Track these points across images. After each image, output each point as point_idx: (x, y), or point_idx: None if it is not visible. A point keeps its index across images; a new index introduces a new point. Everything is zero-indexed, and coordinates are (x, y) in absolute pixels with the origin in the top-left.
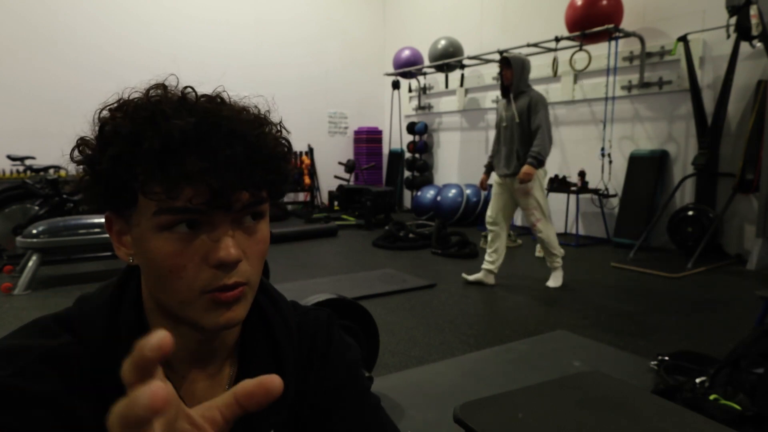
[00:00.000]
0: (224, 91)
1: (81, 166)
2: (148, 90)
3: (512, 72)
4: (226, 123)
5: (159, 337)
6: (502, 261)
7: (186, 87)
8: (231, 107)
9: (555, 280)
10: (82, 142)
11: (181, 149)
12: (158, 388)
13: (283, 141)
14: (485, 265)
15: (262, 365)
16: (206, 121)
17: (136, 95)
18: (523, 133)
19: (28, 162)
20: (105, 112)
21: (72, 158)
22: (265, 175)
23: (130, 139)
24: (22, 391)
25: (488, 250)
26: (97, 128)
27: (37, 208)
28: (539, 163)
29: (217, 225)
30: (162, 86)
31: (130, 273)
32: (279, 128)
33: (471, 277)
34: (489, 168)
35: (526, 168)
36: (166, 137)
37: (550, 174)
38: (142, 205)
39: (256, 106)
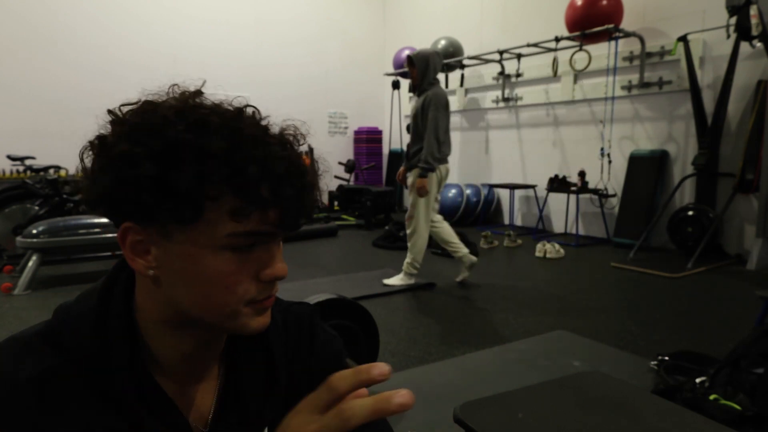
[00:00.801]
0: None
1: (112, 170)
2: (224, 109)
3: (416, 70)
4: (301, 164)
5: (383, 368)
6: (462, 246)
7: (260, 117)
8: (273, 132)
9: (395, 280)
10: (127, 147)
11: (278, 182)
12: (406, 392)
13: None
14: (456, 255)
15: (253, 364)
16: (290, 160)
17: (191, 103)
18: (415, 131)
19: (28, 162)
20: (158, 119)
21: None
22: (313, 199)
23: (220, 160)
24: (7, 424)
25: (445, 246)
26: (158, 137)
27: (37, 208)
28: (426, 170)
29: (271, 244)
30: (195, 92)
31: (113, 281)
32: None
33: (460, 277)
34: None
35: (417, 182)
36: (264, 164)
37: (551, 174)
38: (207, 223)
39: (295, 130)
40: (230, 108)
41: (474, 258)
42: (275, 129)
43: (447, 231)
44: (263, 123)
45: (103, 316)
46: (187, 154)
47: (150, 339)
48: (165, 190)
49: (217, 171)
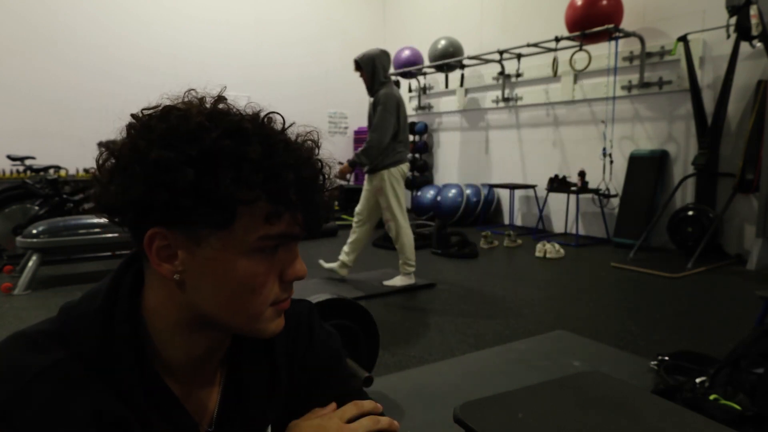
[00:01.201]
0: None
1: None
2: (254, 115)
3: (365, 73)
4: (324, 171)
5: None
6: (355, 257)
7: (284, 124)
8: (313, 152)
9: (396, 281)
10: (163, 153)
11: (311, 188)
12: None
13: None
14: (341, 256)
15: (255, 364)
16: (316, 168)
17: (225, 112)
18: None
19: (28, 162)
20: (193, 125)
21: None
22: (333, 205)
23: (256, 165)
24: (20, 417)
25: (348, 241)
26: (195, 143)
27: (37, 208)
28: (353, 163)
29: (293, 247)
30: (256, 117)
31: (118, 282)
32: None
33: (326, 265)
34: None
35: (342, 168)
36: (296, 169)
37: (551, 174)
38: (240, 227)
39: (316, 136)
40: (257, 114)
41: (345, 272)
42: (295, 134)
43: (359, 238)
44: (288, 129)
45: (110, 318)
46: (224, 160)
47: (159, 341)
48: (202, 195)
49: (253, 176)
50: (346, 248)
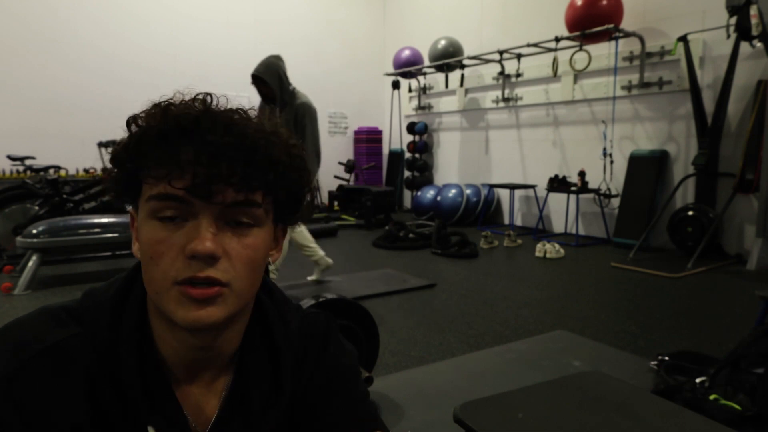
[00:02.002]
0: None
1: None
2: (193, 98)
3: (270, 87)
4: (226, 121)
5: None
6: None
7: (212, 100)
8: (244, 113)
9: (316, 274)
10: (119, 141)
11: (176, 136)
12: None
13: (296, 156)
14: (312, 258)
15: (260, 372)
16: (206, 117)
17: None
18: None
19: (28, 162)
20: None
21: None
22: (254, 177)
23: (139, 131)
24: (18, 386)
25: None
26: (130, 125)
27: (37, 208)
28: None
29: (200, 217)
30: (205, 95)
31: (138, 271)
32: (293, 143)
33: (311, 278)
34: None
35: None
36: (164, 127)
37: (551, 174)
38: (143, 193)
39: (286, 130)
40: (201, 98)
41: (330, 261)
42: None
43: (304, 236)
44: (201, 101)
45: (121, 306)
46: (132, 132)
47: (156, 335)
48: (123, 169)
49: (135, 141)
50: (305, 253)
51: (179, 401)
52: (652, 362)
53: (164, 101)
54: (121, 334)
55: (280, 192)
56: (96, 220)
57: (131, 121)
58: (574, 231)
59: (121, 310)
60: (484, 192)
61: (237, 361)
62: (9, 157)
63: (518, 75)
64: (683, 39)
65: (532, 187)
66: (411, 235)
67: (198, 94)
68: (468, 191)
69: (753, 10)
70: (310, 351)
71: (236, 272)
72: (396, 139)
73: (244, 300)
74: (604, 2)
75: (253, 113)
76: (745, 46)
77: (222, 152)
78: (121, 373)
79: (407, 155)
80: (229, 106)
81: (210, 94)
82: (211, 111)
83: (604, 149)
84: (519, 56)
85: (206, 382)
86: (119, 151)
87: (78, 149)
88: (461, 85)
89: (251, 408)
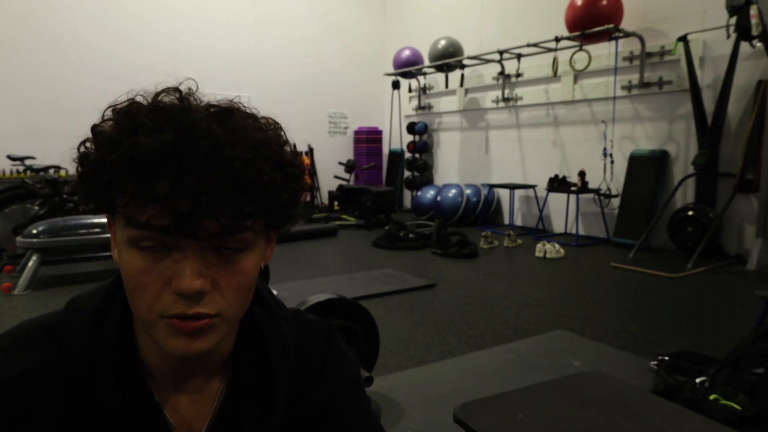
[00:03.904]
0: (239, 101)
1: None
2: (156, 94)
3: None
4: (207, 144)
5: None
6: None
7: (186, 95)
8: (228, 124)
9: None
10: (83, 141)
11: (151, 167)
12: None
13: (292, 165)
14: None
15: (254, 382)
16: (184, 140)
17: (140, 98)
18: None
19: (28, 162)
20: (108, 112)
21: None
22: (243, 205)
23: (108, 148)
24: None
25: None
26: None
27: (37, 208)
28: None
29: (185, 250)
30: (174, 90)
31: (119, 283)
32: (288, 150)
33: None
34: None
35: None
36: (135, 154)
37: (551, 174)
38: (121, 215)
39: (273, 124)
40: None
41: None
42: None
43: None
44: (178, 108)
45: (101, 321)
46: (96, 146)
47: (140, 343)
48: (83, 180)
49: (104, 159)
50: None
51: (166, 413)
52: (652, 362)
53: (132, 107)
54: (100, 350)
55: (273, 209)
56: (96, 220)
57: (97, 131)
58: (574, 231)
59: (103, 324)
60: (484, 192)
61: (231, 365)
62: (9, 157)
63: (518, 75)
64: (683, 39)
65: (532, 187)
66: (411, 235)
67: (172, 100)
68: (468, 191)
69: (753, 10)
70: (310, 366)
71: (227, 301)
72: (396, 139)
73: (236, 322)
74: (604, 2)
75: (240, 107)
76: (745, 46)
77: (205, 182)
78: (99, 393)
79: (407, 155)
80: (208, 105)
81: (186, 96)
82: (189, 128)
83: (605, 149)
84: (519, 56)
85: (198, 389)
86: (87, 172)
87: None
88: (461, 85)
89: (242, 420)
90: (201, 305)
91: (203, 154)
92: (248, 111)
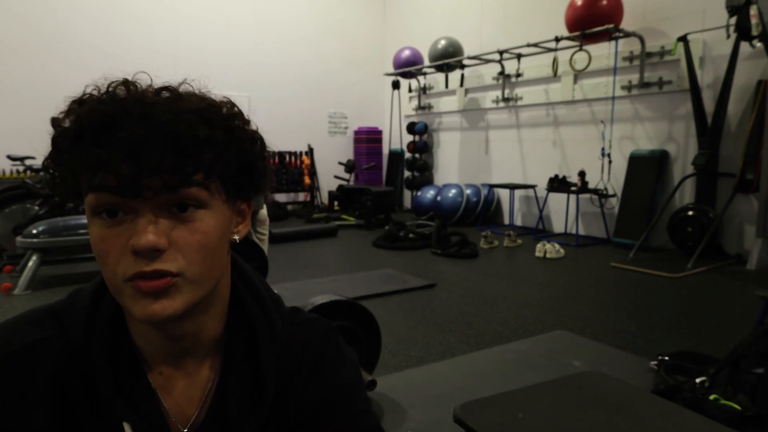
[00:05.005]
0: (185, 83)
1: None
2: (109, 85)
3: None
4: (141, 108)
5: None
6: None
7: (125, 81)
8: (164, 94)
9: None
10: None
11: (89, 136)
12: None
13: (239, 128)
14: None
15: (243, 369)
16: (121, 108)
17: (94, 89)
18: None
19: (28, 162)
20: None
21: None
22: (183, 161)
23: (54, 135)
24: None
25: None
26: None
27: (37, 208)
28: None
29: (139, 211)
30: (124, 82)
31: None
32: (238, 119)
33: None
34: None
35: None
36: (77, 127)
37: (551, 174)
38: (83, 192)
39: (224, 99)
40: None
41: None
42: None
43: None
44: (123, 89)
45: (95, 306)
46: (55, 129)
47: (132, 329)
48: (54, 174)
49: (63, 146)
50: None
51: (160, 395)
52: (652, 362)
53: (80, 96)
54: (94, 330)
55: (226, 169)
56: None
57: (54, 123)
58: (574, 231)
59: (97, 308)
60: (484, 192)
61: (224, 350)
62: (9, 157)
63: (518, 75)
64: (683, 39)
65: (532, 187)
66: (411, 235)
67: (114, 82)
68: (468, 191)
69: (753, 10)
70: (304, 362)
71: (187, 260)
72: (396, 139)
73: (205, 287)
74: (604, 2)
75: (188, 88)
76: (745, 46)
77: (141, 144)
78: (94, 371)
79: (407, 155)
80: (154, 87)
81: (129, 81)
82: (127, 100)
83: (603, 149)
84: (519, 56)
85: (189, 372)
86: (45, 158)
87: None
88: (461, 85)
89: (231, 408)
90: (159, 262)
91: (137, 116)
92: (200, 92)
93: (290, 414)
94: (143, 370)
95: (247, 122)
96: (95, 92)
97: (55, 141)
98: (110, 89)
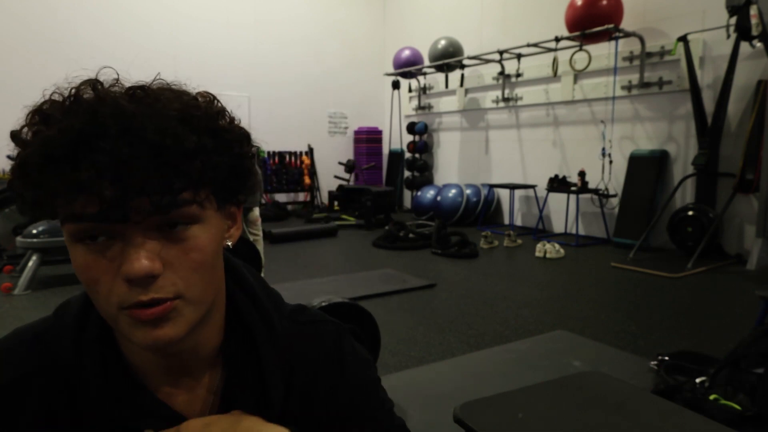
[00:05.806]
0: (160, 80)
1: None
2: (72, 89)
3: None
4: (116, 122)
5: None
6: None
7: (100, 82)
8: (140, 99)
9: None
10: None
11: (63, 159)
12: None
13: (224, 130)
14: None
15: (246, 376)
16: (93, 123)
17: (56, 94)
18: None
19: None
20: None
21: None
22: (171, 177)
23: (21, 155)
24: None
25: None
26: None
27: None
28: None
29: (127, 235)
30: (92, 82)
31: None
32: (221, 118)
33: None
34: None
35: None
36: (46, 148)
37: (551, 174)
38: (58, 213)
39: (203, 94)
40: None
41: None
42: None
43: None
44: (89, 95)
45: (83, 322)
46: (17, 155)
47: (123, 348)
48: (23, 196)
49: (32, 169)
50: None
51: (171, 404)
52: (652, 362)
53: (42, 106)
54: (84, 352)
55: (216, 175)
56: None
57: (15, 136)
58: (574, 231)
59: (84, 328)
60: (484, 192)
61: (225, 358)
62: (9, 157)
63: (518, 75)
64: (683, 39)
65: (532, 187)
66: (411, 235)
67: (79, 85)
68: (468, 191)
69: (753, 10)
70: (323, 372)
71: (185, 281)
72: (396, 139)
73: (206, 304)
74: (604, 2)
75: (162, 83)
76: (745, 46)
77: (121, 161)
78: (88, 393)
79: (407, 155)
80: (123, 87)
81: (95, 80)
82: (100, 110)
83: (603, 149)
84: (519, 56)
85: (190, 387)
86: (12, 178)
87: None
88: (461, 85)
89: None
90: (155, 289)
91: (114, 132)
92: (174, 87)
93: (314, 420)
94: (143, 384)
95: (232, 119)
96: (58, 98)
97: (23, 161)
98: (75, 94)
